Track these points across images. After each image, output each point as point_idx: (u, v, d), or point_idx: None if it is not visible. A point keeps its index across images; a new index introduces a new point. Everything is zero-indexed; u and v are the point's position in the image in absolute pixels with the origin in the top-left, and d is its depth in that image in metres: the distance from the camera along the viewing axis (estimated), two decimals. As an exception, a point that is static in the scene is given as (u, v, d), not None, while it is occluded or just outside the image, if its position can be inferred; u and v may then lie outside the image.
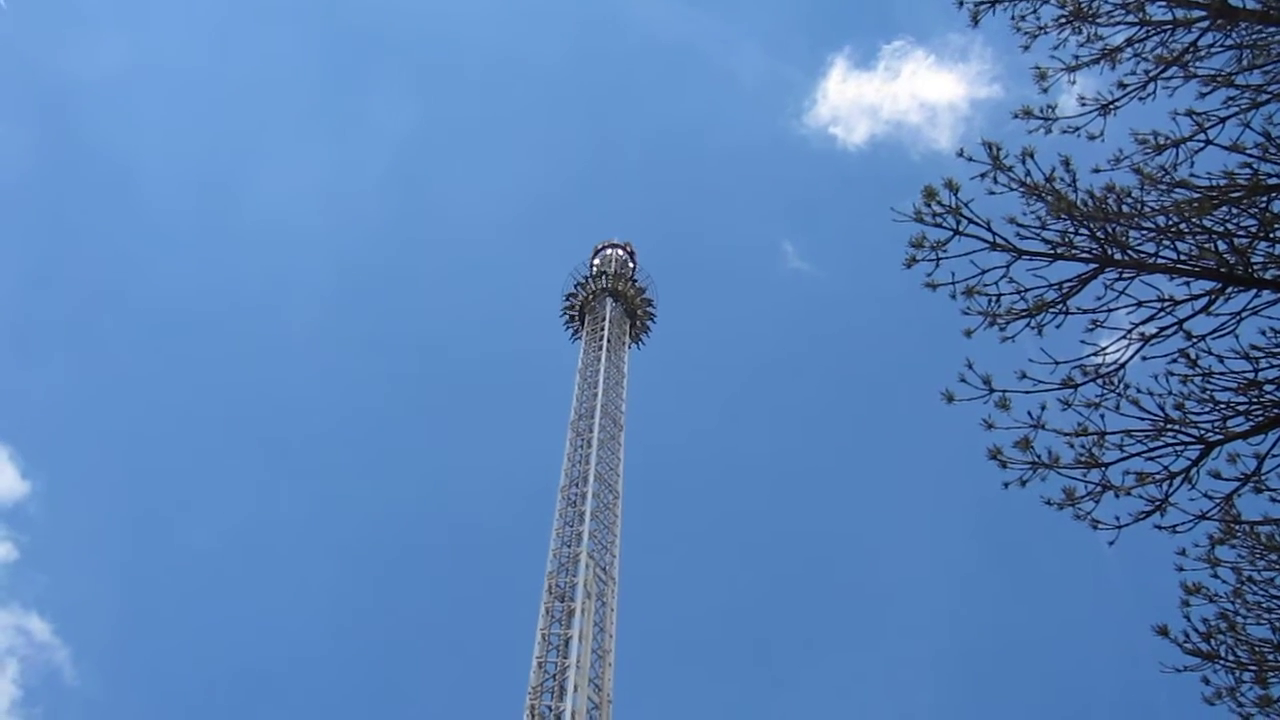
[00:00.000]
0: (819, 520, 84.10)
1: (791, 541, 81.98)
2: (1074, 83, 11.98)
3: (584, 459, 42.77)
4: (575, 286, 52.32)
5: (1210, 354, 11.03)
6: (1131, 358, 11.30)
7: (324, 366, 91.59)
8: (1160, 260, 11.04)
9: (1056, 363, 11.22)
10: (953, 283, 11.29)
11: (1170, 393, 11.05)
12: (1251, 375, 10.94)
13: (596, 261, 53.07)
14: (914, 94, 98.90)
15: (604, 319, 50.42)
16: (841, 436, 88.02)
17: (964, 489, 73.67)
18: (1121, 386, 11.15)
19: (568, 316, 52.14)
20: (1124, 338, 11.27)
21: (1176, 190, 11.09)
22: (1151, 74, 11.62)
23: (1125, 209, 11.00)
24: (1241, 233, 10.99)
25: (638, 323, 52.32)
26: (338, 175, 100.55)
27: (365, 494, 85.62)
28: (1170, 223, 10.96)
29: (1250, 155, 11.20)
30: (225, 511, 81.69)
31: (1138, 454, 11.10)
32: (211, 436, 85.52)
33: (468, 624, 76.27)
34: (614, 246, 54.07)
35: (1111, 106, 11.89)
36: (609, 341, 49.22)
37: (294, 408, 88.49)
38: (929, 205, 11.06)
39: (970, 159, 11.07)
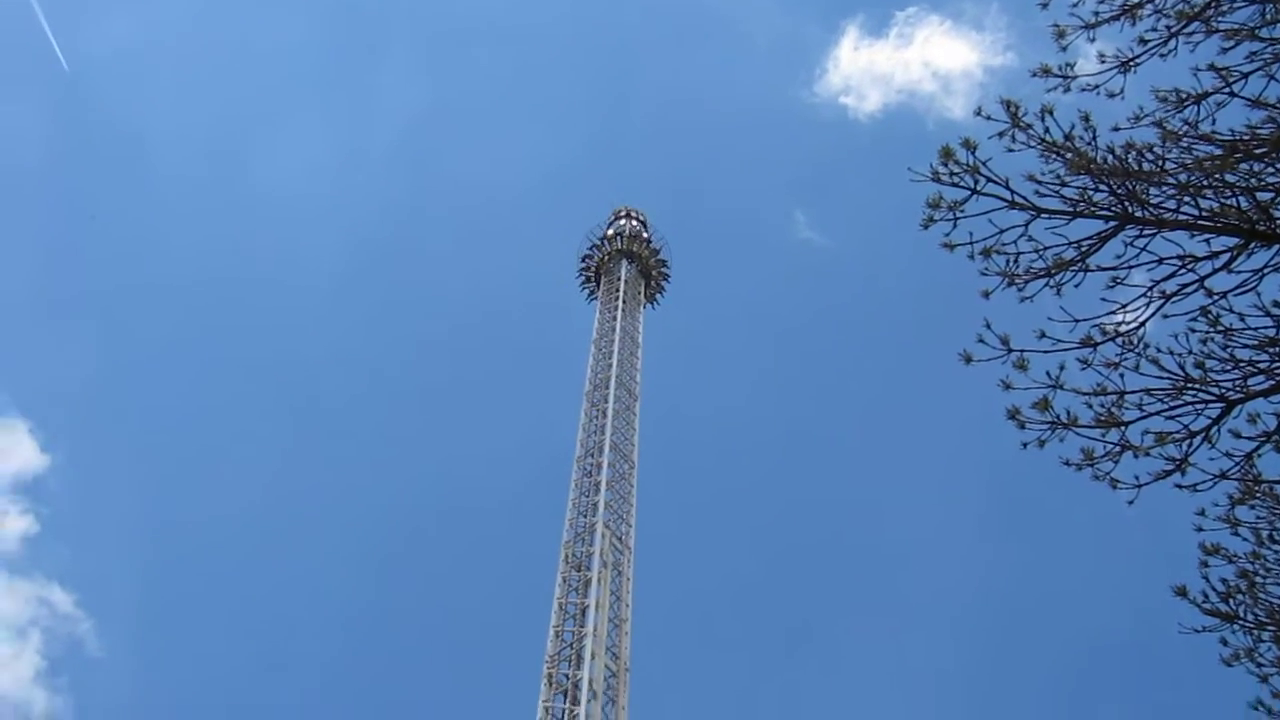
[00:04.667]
0: (835, 487, 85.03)
1: (808, 509, 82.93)
2: (1093, 40, 12.06)
3: (599, 429, 43.82)
4: (591, 248, 54.08)
5: (1231, 311, 11.20)
6: (1151, 316, 11.55)
7: (338, 338, 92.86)
8: (1181, 217, 11.22)
9: (1075, 321, 11.42)
10: (970, 243, 11.51)
11: (1190, 351, 11.20)
12: (1273, 333, 11.08)
13: (610, 232, 54.33)
14: (927, 62, 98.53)
15: (620, 279, 51.76)
16: (856, 402, 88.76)
17: (982, 452, 74.46)
18: (1141, 345, 11.33)
19: (584, 277, 53.95)
20: (1144, 296, 11.51)
21: (1198, 146, 11.17)
22: (1173, 29, 11.71)
23: (1146, 165, 11.14)
24: (1265, 188, 11.14)
25: (652, 283, 53.79)
26: (350, 146, 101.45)
27: (382, 465, 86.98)
28: (1192, 179, 11.09)
29: (1274, 109, 11.41)
30: (243, 484, 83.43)
31: (1157, 413, 11.33)
32: (228, 409, 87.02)
33: (484, 593, 77.56)
34: (629, 216, 55.24)
35: (1132, 64, 11.99)
36: (624, 303, 50.30)
37: (309, 380, 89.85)
38: (946, 165, 11.21)
39: (988, 118, 11.25)
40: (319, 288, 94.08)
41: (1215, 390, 11.27)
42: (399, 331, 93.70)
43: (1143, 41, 11.94)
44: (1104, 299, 11.56)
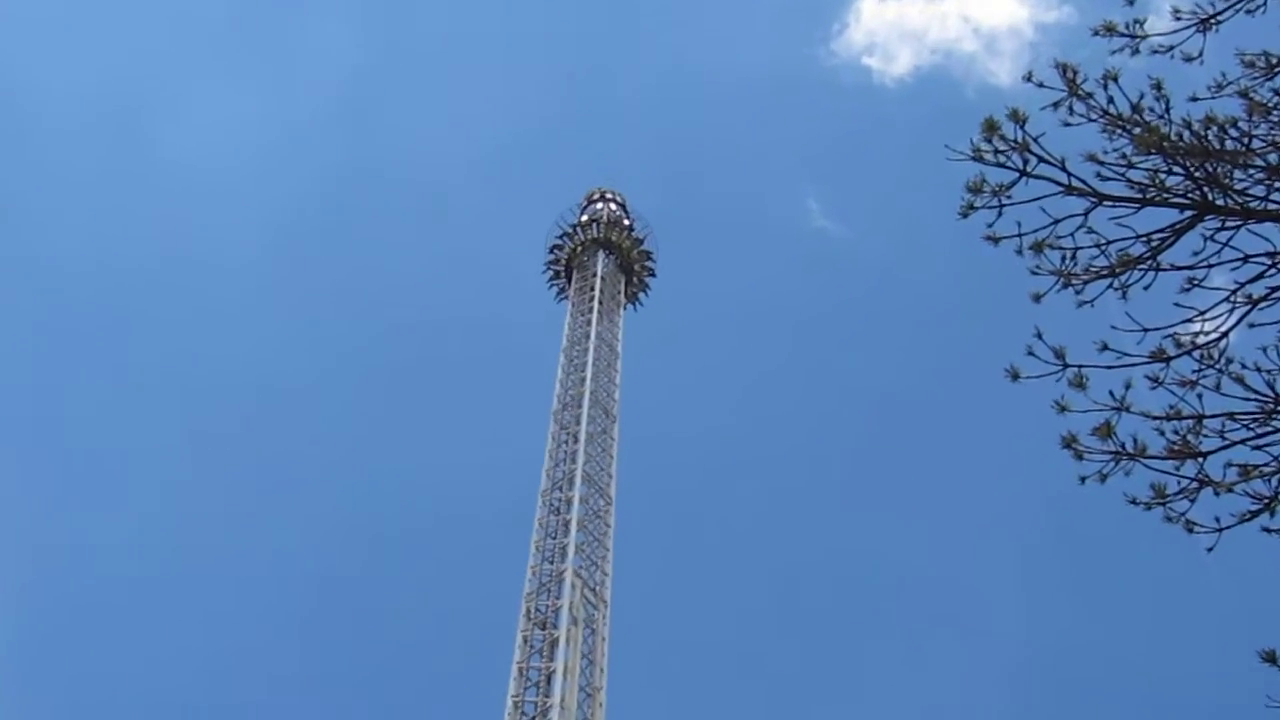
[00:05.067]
0: (853, 525, 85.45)
1: (821, 552, 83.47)
2: (1167, -9, 12.14)
3: (569, 457, 44.13)
4: (561, 237, 54.81)
5: (1332, 320, 11.29)
6: (1235, 325, 11.55)
7: (254, 338, 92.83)
8: (1271, 206, 11.25)
9: (1144, 331, 11.42)
10: (1019, 235, 11.49)
11: (1282, 368, 11.16)
12: (1381, 347, 11.16)
13: (584, 218, 55.15)
14: (967, 17, 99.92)
15: (595, 274, 52.35)
16: (880, 425, 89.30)
17: (1030, 485, 74.86)
18: (1223, 360, 11.25)
19: (553, 272, 54.63)
20: (1226, 301, 11.52)
21: (1292, 121, 11.17)
22: (1263, -22, 11.80)
23: (1229, 144, 11.10)
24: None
25: (634, 280, 54.64)
26: (274, 110, 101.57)
27: (299, 490, 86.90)
28: (1284, 161, 11.08)
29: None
30: (137, 503, 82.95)
31: (1242, 442, 11.30)
32: (127, 416, 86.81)
33: (428, 658, 77.41)
34: (607, 199, 56.24)
35: (1213, 21, 11.96)
36: (601, 303, 50.94)
37: (221, 384, 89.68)
38: (990, 141, 11.15)
39: (1041, 85, 11.31)
40: (233, 278, 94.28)
41: (1312, 415, 11.22)
42: (328, 331, 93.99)
43: (1226, -7, 11.94)
44: (1178, 304, 11.57)
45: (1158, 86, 11.23)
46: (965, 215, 11.48)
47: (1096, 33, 11.87)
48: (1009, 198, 11.43)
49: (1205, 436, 11.36)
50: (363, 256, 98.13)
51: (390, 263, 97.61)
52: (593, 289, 51.37)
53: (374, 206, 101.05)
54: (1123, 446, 11.22)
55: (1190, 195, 11.40)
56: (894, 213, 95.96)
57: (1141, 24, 11.86)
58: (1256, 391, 11.21)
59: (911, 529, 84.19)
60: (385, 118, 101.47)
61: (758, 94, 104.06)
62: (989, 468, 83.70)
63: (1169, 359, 11.34)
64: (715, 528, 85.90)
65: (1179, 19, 12.05)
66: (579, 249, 54.10)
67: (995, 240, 11.54)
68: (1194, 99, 11.61)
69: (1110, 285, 11.66)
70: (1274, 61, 11.71)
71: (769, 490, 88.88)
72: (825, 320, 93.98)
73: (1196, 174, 11.28)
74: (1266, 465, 11.37)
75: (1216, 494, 11.35)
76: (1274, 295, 11.47)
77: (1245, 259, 11.41)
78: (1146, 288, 11.70)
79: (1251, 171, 11.28)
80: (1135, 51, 11.90)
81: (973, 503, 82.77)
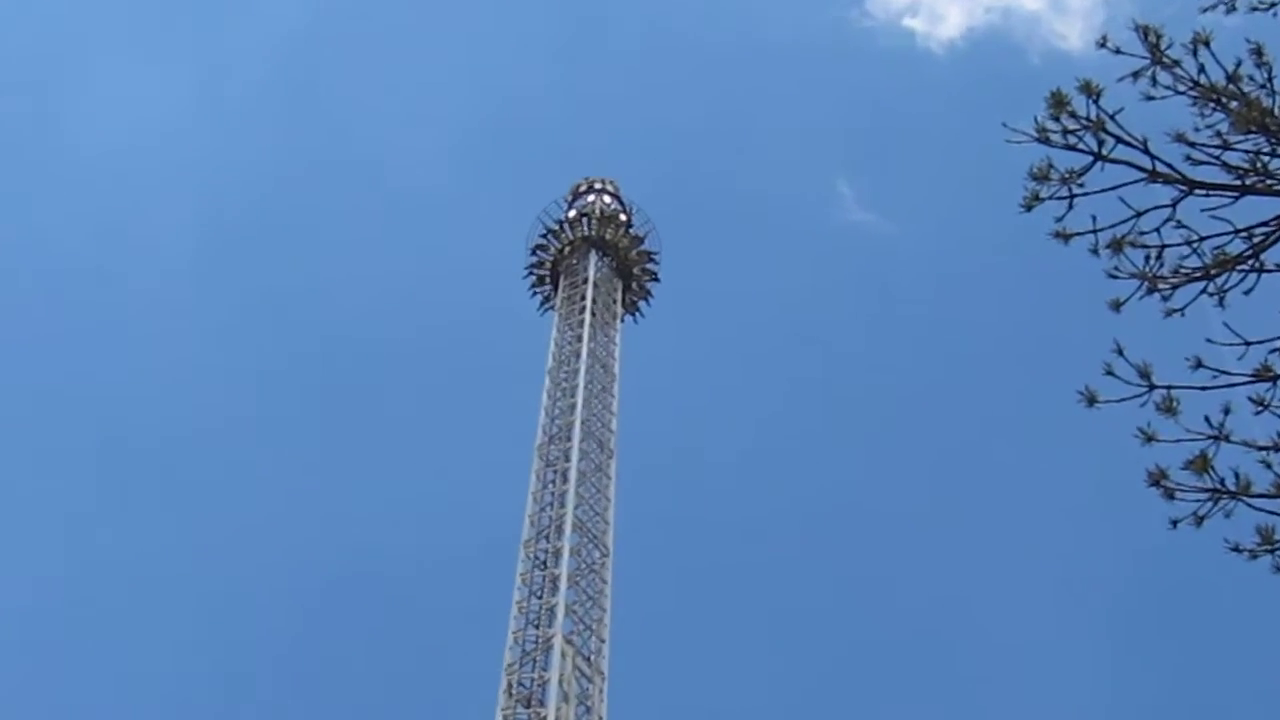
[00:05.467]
0: (900, 575, 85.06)
1: (863, 607, 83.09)
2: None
3: (558, 500, 44.16)
4: (545, 235, 54.98)
5: None
6: (1357, 336, 11.40)
7: (183, 355, 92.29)
8: (1397, 194, 11.19)
9: (1246, 345, 11.37)
10: (1093, 231, 11.45)
11: None
12: None
13: (572, 213, 55.39)
14: None
15: (586, 279, 52.39)
16: (931, 456, 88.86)
17: (1112, 529, 74.42)
18: None
19: (535, 278, 54.75)
20: (1345, 307, 11.38)
21: None
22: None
23: None
24: None
25: (634, 285, 54.79)
26: (199, 84, 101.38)
27: (231, 531, 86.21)
28: None
29: None
30: (39, 548, 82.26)
31: None
32: (23, 444, 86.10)
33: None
34: (599, 190, 56.26)
35: None
36: (594, 314, 51.15)
37: (139, 412, 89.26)
38: (1058, 118, 11.15)
39: (1118, 51, 11.29)
40: (155, 286, 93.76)
41: None
42: (267, 348, 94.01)
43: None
44: (1288, 312, 11.50)
45: (1258, 52, 11.18)
46: (1029, 208, 11.53)
47: (1184, -13, 11.95)
48: (1081, 186, 11.45)
49: (1322, 470, 11.29)
50: (308, 259, 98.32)
51: (341, 266, 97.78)
52: (583, 297, 51.57)
53: (320, 199, 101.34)
54: (1222, 482, 11.14)
55: (1299, 181, 11.42)
56: (943, 204, 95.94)
57: (1239, -24, 11.88)
58: (1382, 416, 10.99)
59: (971, 581, 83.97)
60: (331, 92, 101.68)
61: (778, 63, 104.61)
62: (1063, 508, 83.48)
63: (1276, 378, 11.24)
64: (735, 583, 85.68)
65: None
66: (567, 249, 54.26)
67: (1066, 237, 11.56)
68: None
69: (1204, 290, 11.67)
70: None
71: (800, 536, 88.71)
72: (863, 333, 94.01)
73: (1307, 156, 11.28)
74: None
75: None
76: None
77: (1366, 257, 11.48)
78: (1247, 292, 11.70)
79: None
80: (1231, 9, 11.91)
81: (1044, 548, 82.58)
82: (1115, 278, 11.65)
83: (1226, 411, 11.12)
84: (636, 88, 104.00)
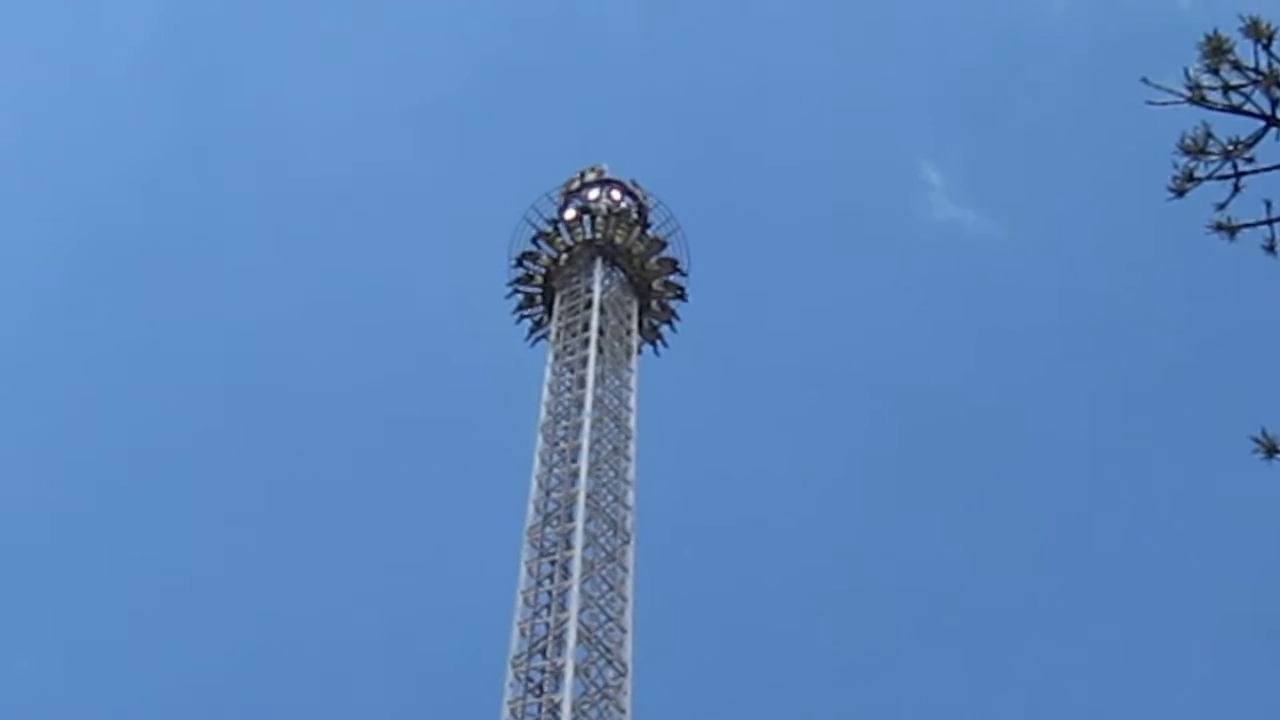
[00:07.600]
0: (1008, 676, 74.65)
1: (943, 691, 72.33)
2: None
3: (556, 602, 40.24)
4: (535, 240, 50.65)
5: None
6: None
7: (50, 405, 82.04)
8: None
9: None
10: (1269, 221, 10.13)
11: None
12: None
13: (570, 212, 50.62)
14: None
15: (591, 297, 48.20)
16: (1047, 516, 79.12)
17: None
18: None
19: (522, 296, 50.83)
20: None
21: None
22: None
23: None
24: None
25: (653, 303, 50.67)
26: (65, 61, 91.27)
27: (141, 635, 76.08)
28: None
29: None
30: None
31: None
32: None
33: None
34: (604, 183, 51.18)
35: None
36: (600, 348, 46.76)
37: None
38: (1215, 71, 9.73)
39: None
40: (13, 318, 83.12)
41: None
42: (162, 398, 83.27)
43: None
44: None
45: None
46: (1181, 192, 10.16)
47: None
48: (1250, 161, 10.13)
49: None
50: (214, 284, 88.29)
51: (260, 292, 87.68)
52: (586, 326, 46.75)
53: (228, 206, 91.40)
54: None
55: None
56: (1061, 194, 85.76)
57: None
58: None
59: (1111, 664, 74.18)
60: (237, 64, 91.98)
61: (846, 19, 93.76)
62: (1228, 583, 73.60)
63: None
64: (794, 691, 74.18)
65: None
66: (563, 259, 49.90)
67: (1231, 231, 10.17)
68: None
69: None
70: None
71: (876, 625, 78.89)
72: (960, 362, 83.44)
73: None
74: None
75: None
76: None
77: None
78: None
79: None
80: None
81: (1204, 629, 72.96)
82: (1301, 286, 10.96)
83: None
84: (648, 51, 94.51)
